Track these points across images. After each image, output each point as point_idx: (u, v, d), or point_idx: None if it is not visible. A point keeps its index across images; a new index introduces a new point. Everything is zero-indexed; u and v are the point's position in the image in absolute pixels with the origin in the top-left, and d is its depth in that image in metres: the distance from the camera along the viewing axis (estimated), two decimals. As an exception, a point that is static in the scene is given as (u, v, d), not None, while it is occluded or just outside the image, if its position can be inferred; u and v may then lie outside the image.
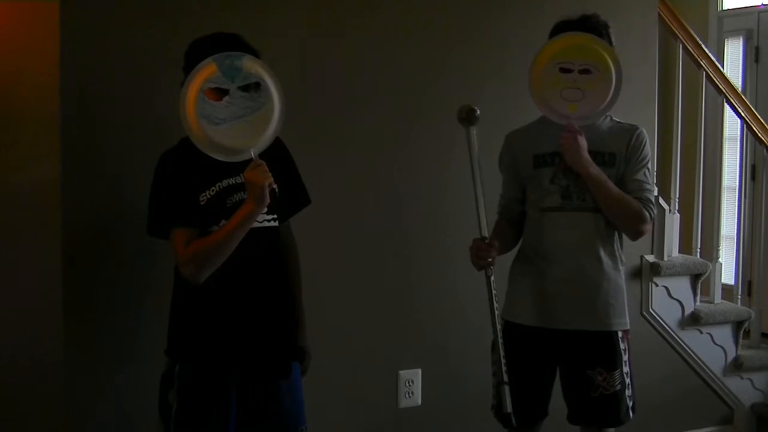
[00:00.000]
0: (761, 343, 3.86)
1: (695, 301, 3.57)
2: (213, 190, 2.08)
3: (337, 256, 2.86)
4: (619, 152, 2.39)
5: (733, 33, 5.03)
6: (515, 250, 2.51)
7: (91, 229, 2.48)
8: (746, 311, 3.71)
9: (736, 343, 3.67)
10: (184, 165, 2.08)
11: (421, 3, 2.95)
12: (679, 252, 3.61)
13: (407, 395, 3.01)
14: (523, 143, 2.47)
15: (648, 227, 2.41)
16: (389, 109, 2.91)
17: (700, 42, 3.61)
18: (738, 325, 3.68)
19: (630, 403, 2.41)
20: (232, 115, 1.99)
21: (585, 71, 2.32)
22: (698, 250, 3.68)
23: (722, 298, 3.76)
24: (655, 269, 3.42)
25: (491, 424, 2.43)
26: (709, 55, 3.63)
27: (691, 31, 3.58)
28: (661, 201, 3.49)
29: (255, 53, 2.07)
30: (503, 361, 2.27)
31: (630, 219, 2.38)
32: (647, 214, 2.37)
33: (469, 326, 2.99)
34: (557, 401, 2.46)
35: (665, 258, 3.48)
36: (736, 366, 3.64)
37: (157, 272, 2.38)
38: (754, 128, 3.73)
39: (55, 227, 2.43)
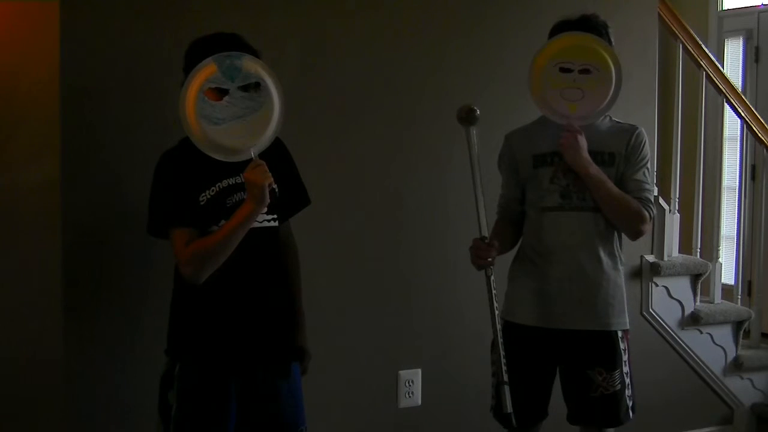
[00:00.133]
0: (761, 343, 3.86)
1: (695, 301, 3.57)
2: (213, 190, 2.08)
3: (337, 256, 2.86)
4: (618, 152, 2.39)
5: (733, 33, 5.02)
6: (515, 250, 2.52)
7: (91, 229, 2.48)
8: (746, 311, 3.71)
9: (736, 343, 3.67)
10: (184, 165, 2.08)
11: (421, 3, 2.95)
12: (679, 252, 3.61)
13: (407, 395, 3.01)
14: (522, 143, 2.47)
15: (647, 227, 2.41)
16: (389, 109, 2.91)
17: (700, 42, 3.61)
18: (738, 325, 3.68)
19: (630, 403, 2.41)
20: (232, 115, 1.99)
21: (585, 71, 2.33)
22: (698, 250, 3.68)
23: (722, 298, 3.76)
24: (655, 269, 3.42)
25: (491, 425, 2.43)
26: (709, 55, 3.63)
27: (691, 31, 3.57)
28: (661, 201, 3.49)
29: (255, 53, 2.07)
30: (503, 361, 2.27)
31: (629, 219, 2.37)
32: (647, 213, 2.37)
33: (469, 326, 2.99)
34: (557, 401, 2.46)
35: (665, 258, 3.48)
36: (736, 366, 3.64)
37: (157, 272, 2.38)
38: (754, 128, 3.73)
39: (55, 227, 2.43)
